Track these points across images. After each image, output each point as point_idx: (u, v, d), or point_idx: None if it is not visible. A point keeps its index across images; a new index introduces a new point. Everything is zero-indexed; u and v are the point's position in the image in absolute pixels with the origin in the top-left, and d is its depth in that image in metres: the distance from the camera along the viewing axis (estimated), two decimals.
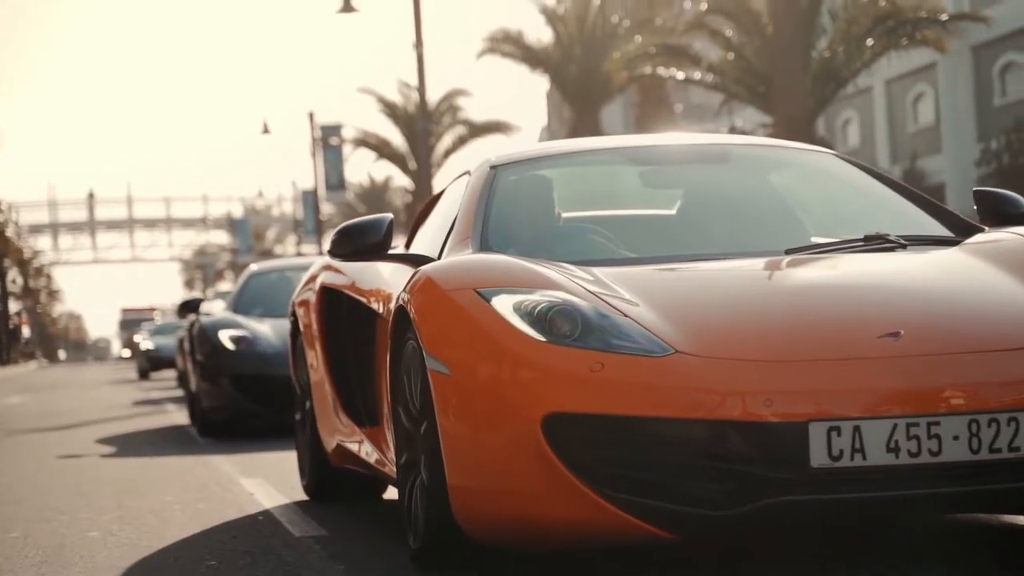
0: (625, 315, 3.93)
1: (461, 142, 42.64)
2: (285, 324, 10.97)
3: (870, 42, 23.89)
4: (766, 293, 4.19)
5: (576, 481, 3.72)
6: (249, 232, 75.60)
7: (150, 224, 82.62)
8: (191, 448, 10.47)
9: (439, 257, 4.89)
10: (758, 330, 3.90)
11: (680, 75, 25.96)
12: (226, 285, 72.47)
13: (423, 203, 5.97)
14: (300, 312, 6.40)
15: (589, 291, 4.05)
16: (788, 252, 4.56)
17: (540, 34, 48.13)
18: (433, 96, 41.43)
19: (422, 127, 32.35)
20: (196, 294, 15.23)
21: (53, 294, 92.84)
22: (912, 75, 38.16)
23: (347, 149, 46.82)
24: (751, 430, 3.65)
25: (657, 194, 5.57)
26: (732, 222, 5.04)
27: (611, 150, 5.61)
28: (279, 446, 9.76)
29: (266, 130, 51.69)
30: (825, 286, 4.23)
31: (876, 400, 3.67)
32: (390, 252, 5.14)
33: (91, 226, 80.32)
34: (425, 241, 5.58)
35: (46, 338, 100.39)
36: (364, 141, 44.28)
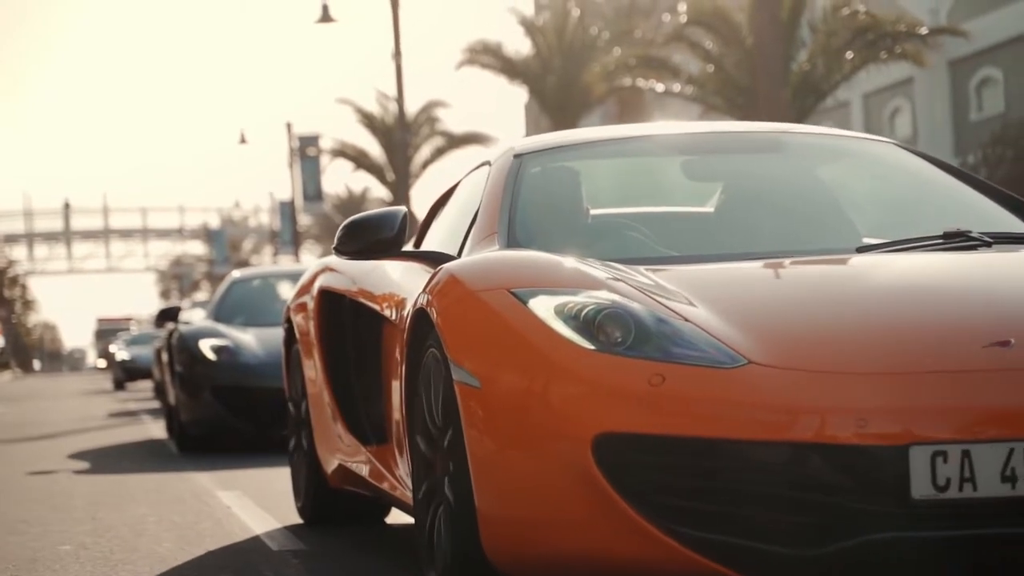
0: (686, 319, 3.40)
1: (439, 153, 42.57)
2: (270, 333, 10.82)
3: (850, 55, 23.90)
4: (847, 295, 3.64)
5: (632, 512, 3.20)
6: (226, 243, 75.30)
7: (126, 234, 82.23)
8: (167, 461, 10.34)
9: (459, 256, 4.40)
10: (844, 337, 3.36)
11: (660, 87, 25.93)
12: (202, 296, 72.18)
13: (436, 198, 5.52)
14: (296, 318, 5.86)
15: (641, 292, 3.53)
16: (860, 250, 4.04)
17: (519, 45, 48.17)
18: (411, 107, 41.39)
19: (400, 138, 32.27)
20: (175, 302, 14.80)
21: (28, 304, 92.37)
22: (889, 89, 38.29)
23: (325, 160, 46.68)
24: (841, 454, 3.13)
25: (698, 189, 5.03)
26: (787, 218, 4.50)
27: (648, 138, 5.01)
28: (258, 458, 9.64)
29: (243, 140, 51.53)
30: (916, 288, 3.66)
31: (989, 420, 3.15)
32: (405, 250, 4.63)
33: (67, 236, 79.92)
34: (440, 239, 5.05)
35: (21, 348, 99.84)
36: (342, 152, 44.15)
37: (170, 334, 12.29)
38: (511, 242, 4.22)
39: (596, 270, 3.66)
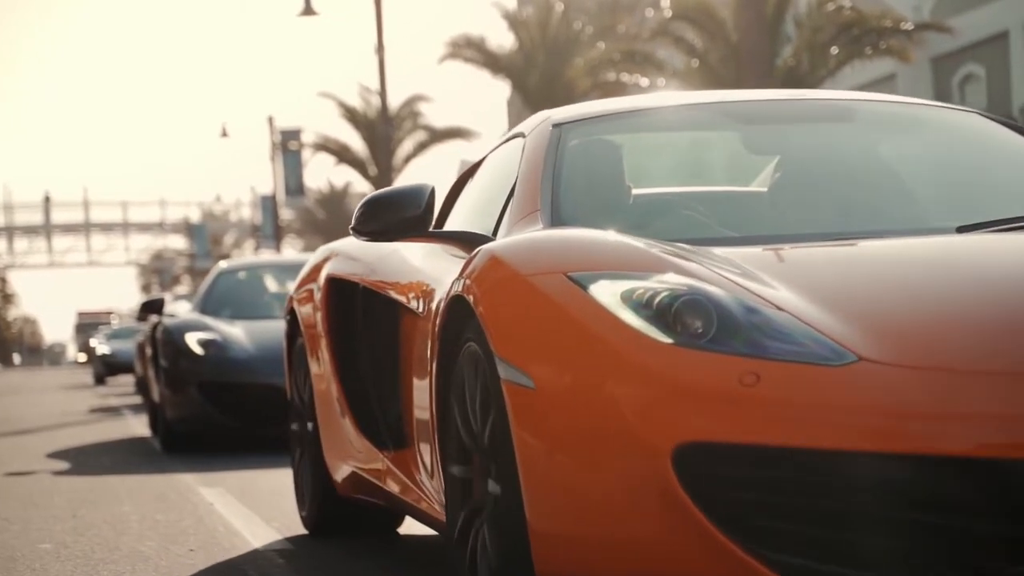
0: (778, 307, 2.90)
1: (422, 148, 42.51)
2: (259, 326, 10.41)
3: (835, 50, 23.88)
4: (963, 282, 3.10)
5: (718, 534, 2.71)
6: (207, 237, 75.09)
7: (107, 228, 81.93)
8: (149, 457, 10.23)
9: (494, 237, 3.95)
10: (964, 329, 2.86)
11: (644, 81, 25.88)
12: (183, 290, 71.93)
13: (458, 176, 5.06)
14: (300, 309, 5.30)
15: (721, 275, 3.04)
16: (960, 230, 3.58)
17: (502, 40, 48.08)
18: (394, 101, 41.28)
19: (383, 132, 32.15)
20: (159, 294, 13.90)
21: (8, 298, 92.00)
22: (873, 86, 38.32)
23: (307, 154, 46.55)
24: (978, 470, 2.63)
25: (749, 166, 4.51)
26: (863, 194, 4.00)
27: (702, 106, 4.46)
28: (243, 456, 9.53)
29: (225, 134, 51.34)
30: None
31: None
32: (433, 230, 4.10)
33: (47, 229, 79.60)
34: (467, 219, 4.57)
35: (0, 342, 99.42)
36: (324, 146, 44.02)
37: (154, 327, 11.78)
38: (555, 221, 3.73)
39: (665, 250, 3.17)
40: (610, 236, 3.27)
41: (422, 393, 3.90)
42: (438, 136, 42.58)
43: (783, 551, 2.69)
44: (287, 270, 11.93)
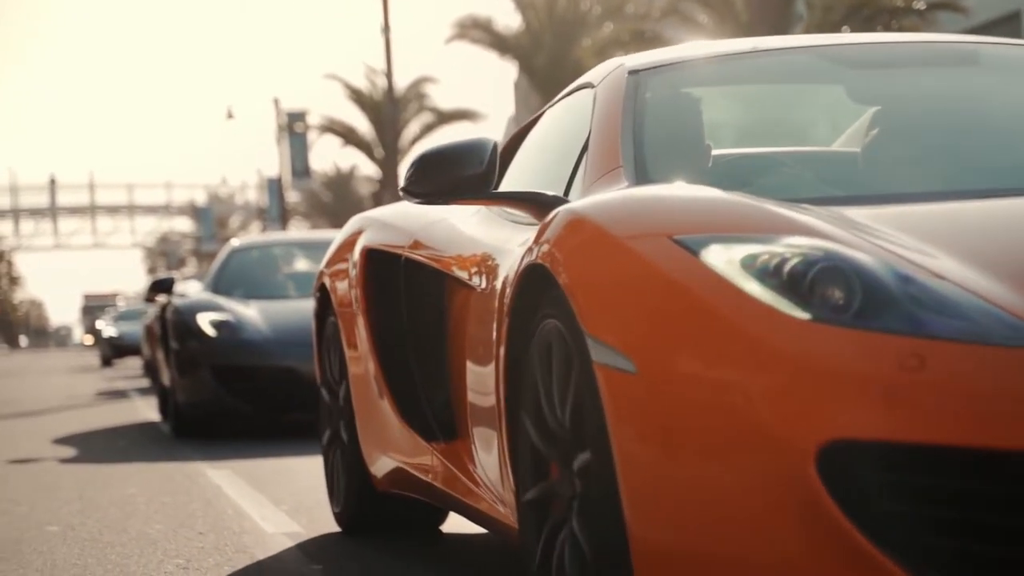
0: (938, 275, 2.41)
1: (428, 129, 42.42)
2: (274, 307, 10.04)
3: (846, 30, 23.71)
4: None
5: (877, 555, 2.24)
6: (213, 220, 75.03)
7: (113, 210, 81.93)
8: (159, 441, 10.14)
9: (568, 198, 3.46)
10: None
11: None
12: (189, 272, 71.95)
13: (511, 135, 4.56)
14: (333, 286, 4.80)
15: (864, 238, 2.54)
16: None
17: (510, 20, 47.95)
18: (400, 83, 41.18)
19: (389, 113, 32.03)
20: (168, 273, 13.09)
21: (14, 280, 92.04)
22: None
23: (312, 136, 46.45)
24: None
25: (843, 122, 3.93)
26: (993, 148, 3.50)
27: (793, 51, 3.91)
28: (253, 439, 9.44)
29: (230, 116, 51.23)
30: None
31: None
32: (497, 191, 3.58)
33: (53, 211, 79.58)
34: (527, 182, 4.01)
35: (7, 324, 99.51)
36: (330, 127, 43.93)
37: (163, 308, 11.26)
38: (641, 179, 3.25)
39: (790, 208, 2.69)
40: (718, 193, 2.76)
41: (478, 378, 3.48)
42: (445, 118, 42.47)
43: (954, 572, 2.23)
44: (301, 247, 11.69)
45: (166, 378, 10.82)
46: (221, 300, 10.28)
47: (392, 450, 4.34)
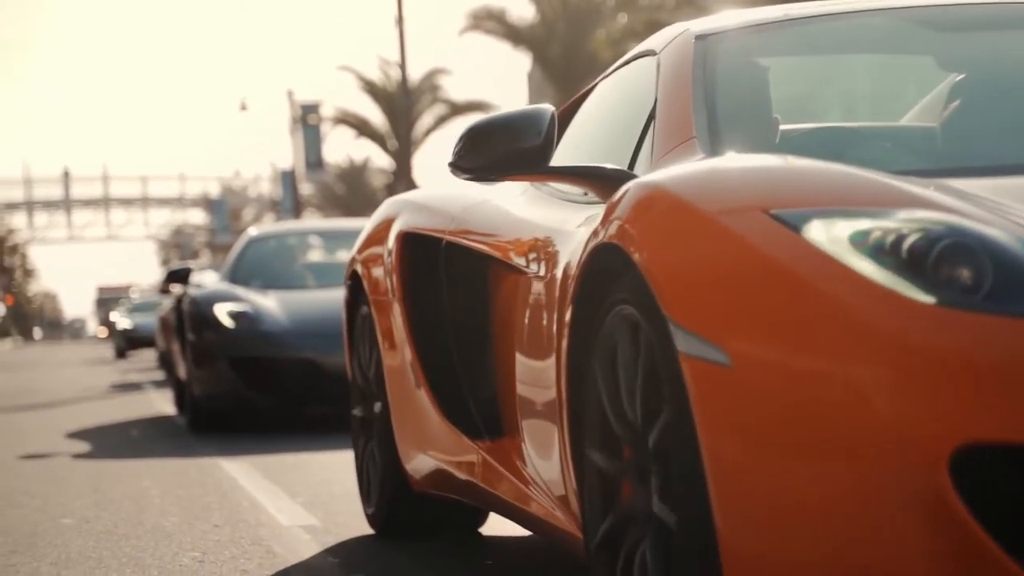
0: None
1: (441, 121, 42.40)
2: (293, 297, 9.79)
3: None
4: None
5: (1016, 568, 2.01)
6: (226, 212, 75.11)
7: (126, 203, 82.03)
8: (170, 430, 10.10)
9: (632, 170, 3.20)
10: None
11: None
12: (203, 264, 72.03)
13: (561, 108, 4.22)
14: (366, 273, 4.48)
15: (986, 211, 2.27)
16: None
17: (524, 11, 47.86)
18: (414, 74, 41.14)
19: (403, 105, 31.97)
20: (184, 263, 12.75)
21: (28, 272, 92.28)
22: None
23: (326, 128, 46.44)
24: None
25: (929, 86, 3.54)
26: None
27: (876, 12, 3.51)
28: (267, 429, 9.40)
29: (244, 108, 51.24)
30: None
31: None
32: (557, 166, 3.25)
33: (67, 204, 79.71)
34: (583, 154, 3.69)
35: (22, 317, 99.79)
36: (343, 119, 43.95)
37: (179, 299, 10.98)
38: (717, 150, 2.97)
39: (901, 178, 2.40)
40: (821, 163, 2.46)
41: (531, 371, 3.25)
42: (458, 110, 42.45)
43: None
44: (321, 236, 11.50)
45: (182, 370, 10.55)
46: (239, 290, 9.98)
47: (431, 448, 4.04)
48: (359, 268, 4.57)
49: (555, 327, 2.98)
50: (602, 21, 31.69)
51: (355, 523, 4.98)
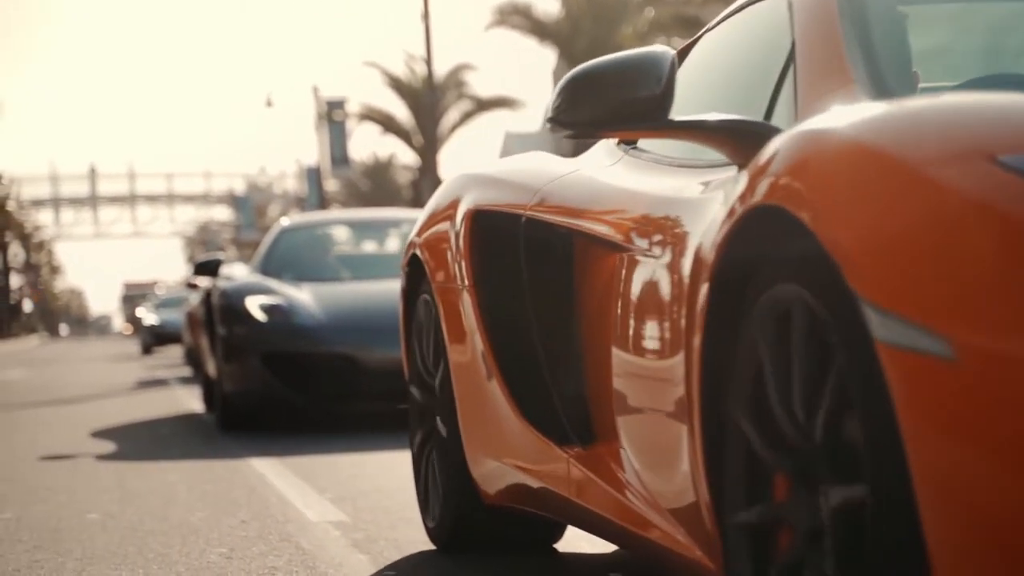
0: None
1: (467, 117, 42.31)
2: (328, 290, 9.30)
3: None
4: None
5: None
6: (252, 209, 75.22)
7: (152, 199, 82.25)
8: (197, 426, 10.02)
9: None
10: None
11: None
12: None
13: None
14: (429, 257, 3.95)
15: None
16: None
17: (549, 6, 47.74)
18: (439, 70, 41.06)
19: (429, 101, 31.90)
20: (212, 254, 11.48)
21: (54, 269, 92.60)
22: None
23: (351, 124, 46.41)
24: None
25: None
26: None
27: None
28: (292, 422, 9.31)
29: (269, 104, 51.25)
30: None
31: None
32: (680, 119, 2.74)
33: (93, 201, 79.94)
34: (702, 109, 3.01)
35: (48, 313, 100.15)
36: (369, 115, 43.91)
37: (208, 292, 10.40)
38: (879, 90, 2.56)
39: None
40: None
41: (635, 367, 2.86)
42: (484, 105, 42.36)
43: None
44: (356, 227, 11.10)
45: (211, 367, 10.10)
46: (271, 282, 9.42)
47: (507, 455, 3.55)
48: (420, 252, 4.04)
49: (681, 316, 2.53)
50: (628, 16, 31.54)
51: (384, 519, 4.88)
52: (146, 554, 4.33)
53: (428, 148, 38.47)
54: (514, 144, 75.44)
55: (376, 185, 58.57)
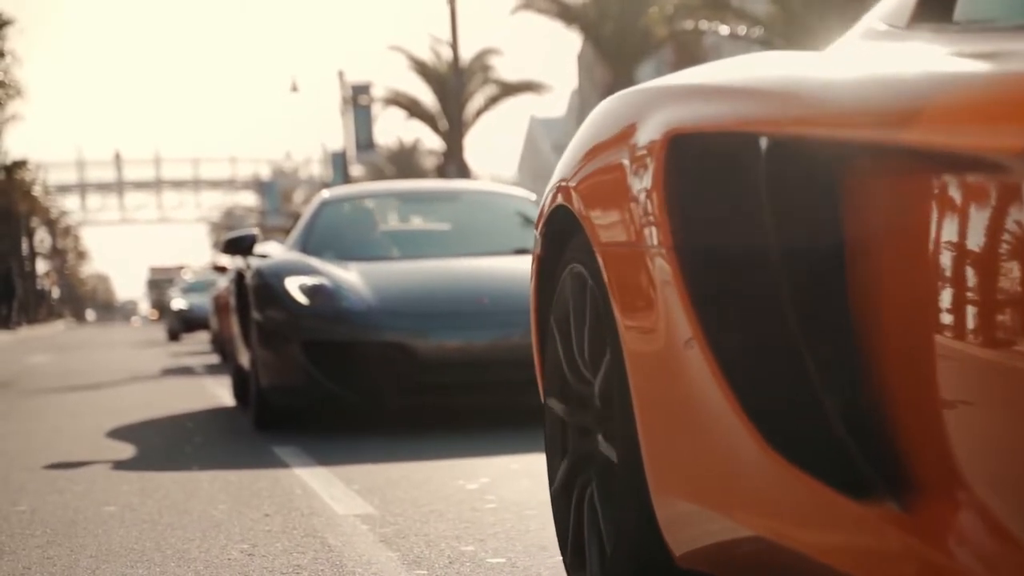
0: None
1: (492, 102, 42.08)
2: (378, 269, 8.08)
3: None
4: None
5: None
6: (277, 194, 75.25)
7: (178, 185, 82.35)
8: (220, 415, 9.83)
9: None
10: None
11: (724, 29, 25.18)
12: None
13: None
14: (589, 208, 2.73)
15: None
16: None
17: None
18: (465, 54, 40.85)
19: (454, 84, 31.67)
20: (246, 229, 9.96)
21: (81, 255, 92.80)
22: None
23: (377, 108, 46.23)
24: None
25: None
26: None
27: None
28: (338, 420, 9.09)
29: (295, 88, 51.11)
30: None
31: None
32: None
33: (119, 186, 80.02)
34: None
35: (74, 299, 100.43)
36: (394, 100, 43.71)
37: (240, 272, 9.15)
38: None
39: None
40: None
41: (991, 369, 1.67)
42: (509, 90, 42.13)
43: None
44: (405, 200, 9.91)
45: (244, 357, 8.91)
46: (313, 261, 8.16)
47: (729, 497, 2.24)
48: (575, 203, 2.82)
49: None
50: None
51: (414, 512, 4.67)
52: (164, 550, 4.13)
53: (453, 133, 38.25)
54: (539, 129, 75.18)
55: (401, 170, 58.40)
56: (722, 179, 2.30)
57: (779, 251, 2.15)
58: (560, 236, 2.99)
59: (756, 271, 2.20)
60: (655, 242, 2.42)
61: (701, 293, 2.31)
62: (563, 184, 2.93)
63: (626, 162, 2.59)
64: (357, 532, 4.34)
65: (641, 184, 2.49)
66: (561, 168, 2.99)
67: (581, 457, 2.97)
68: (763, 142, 2.18)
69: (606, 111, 2.84)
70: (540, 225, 3.15)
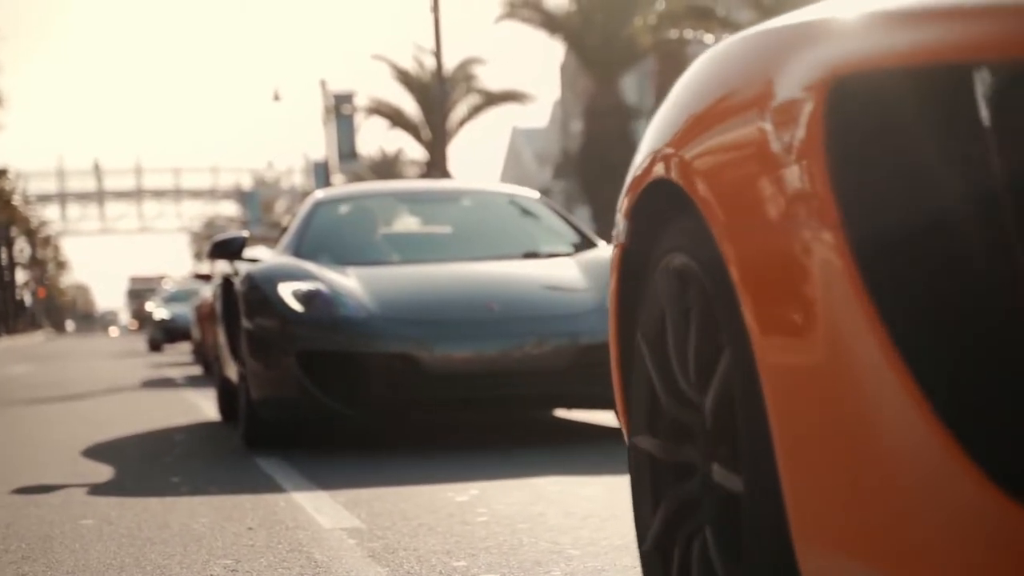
0: None
1: (476, 111, 41.97)
2: (378, 274, 7.49)
3: None
4: None
5: None
6: (259, 204, 75.08)
7: (159, 194, 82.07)
8: (201, 424, 9.66)
9: None
10: None
11: (710, 38, 25.12)
12: None
13: None
14: (712, 180, 2.03)
15: None
16: None
17: None
18: (448, 64, 40.78)
19: (437, 93, 31.55)
20: (236, 232, 8.98)
21: (61, 265, 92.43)
22: None
23: (359, 118, 46.11)
24: None
25: None
26: None
27: None
28: (338, 435, 8.92)
29: (277, 98, 50.96)
30: None
31: None
32: None
33: (99, 196, 79.72)
34: None
35: (54, 309, 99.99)
36: (377, 109, 43.58)
37: (227, 278, 8.52)
38: None
39: None
40: None
41: None
42: (492, 99, 42.02)
43: None
44: (404, 200, 9.17)
45: (231, 370, 8.34)
46: (308, 266, 7.55)
47: (925, 560, 1.59)
48: (682, 175, 2.15)
49: None
50: (640, 8, 31.14)
51: (403, 526, 4.52)
52: (144, 566, 3.97)
53: (436, 142, 38.12)
54: (521, 139, 75.11)
55: (384, 180, 58.31)
56: (914, 132, 1.64)
57: (1010, 228, 1.54)
58: (656, 219, 2.37)
59: (971, 257, 1.57)
60: (814, 222, 1.75)
61: (887, 289, 1.65)
62: (665, 152, 2.24)
63: (763, 118, 1.92)
64: (344, 547, 4.18)
65: (789, 145, 1.82)
66: (656, 133, 2.35)
67: (684, 504, 2.39)
68: (983, 75, 1.56)
69: (723, 57, 2.17)
70: (626, 206, 2.50)
